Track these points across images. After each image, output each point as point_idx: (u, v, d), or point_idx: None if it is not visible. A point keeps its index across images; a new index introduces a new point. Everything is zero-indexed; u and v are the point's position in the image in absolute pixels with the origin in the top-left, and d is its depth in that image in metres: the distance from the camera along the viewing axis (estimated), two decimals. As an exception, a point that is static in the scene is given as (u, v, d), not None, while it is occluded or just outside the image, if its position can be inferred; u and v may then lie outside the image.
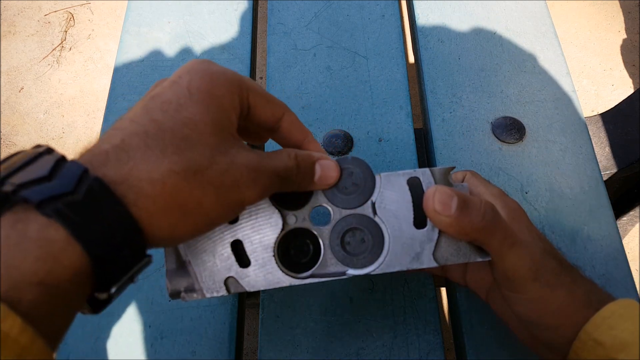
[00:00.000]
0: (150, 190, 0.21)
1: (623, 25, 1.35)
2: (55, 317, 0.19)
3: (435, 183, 0.30)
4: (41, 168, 0.20)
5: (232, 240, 0.29)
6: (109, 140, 0.22)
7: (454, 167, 0.31)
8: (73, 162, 0.21)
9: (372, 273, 0.29)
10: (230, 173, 0.24)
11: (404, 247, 0.29)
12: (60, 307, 0.19)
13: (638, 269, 1.00)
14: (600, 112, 0.63)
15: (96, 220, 0.20)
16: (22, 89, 1.32)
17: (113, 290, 0.21)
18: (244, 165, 0.24)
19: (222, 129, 0.24)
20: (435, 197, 0.28)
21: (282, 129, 0.29)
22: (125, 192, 0.21)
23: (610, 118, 0.62)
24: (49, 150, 0.22)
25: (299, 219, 0.29)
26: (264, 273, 0.29)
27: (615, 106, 0.63)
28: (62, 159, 0.21)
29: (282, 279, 0.29)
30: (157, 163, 0.22)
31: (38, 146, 0.22)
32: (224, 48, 0.53)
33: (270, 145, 0.46)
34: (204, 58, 0.26)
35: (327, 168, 0.29)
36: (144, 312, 0.39)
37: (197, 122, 0.23)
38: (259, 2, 0.60)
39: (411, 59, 0.78)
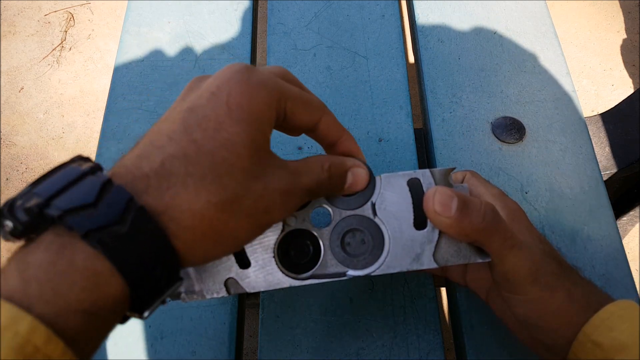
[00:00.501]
0: (190, 222, 0.22)
1: (623, 25, 1.35)
2: (93, 339, 0.20)
3: (436, 184, 0.30)
4: (87, 193, 0.20)
5: (232, 240, 0.29)
6: (149, 161, 0.22)
7: (454, 168, 0.31)
8: (119, 188, 0.21)
9: (372, 274, 0.29)
10: (263, 200, 0.24)
11: (404, 248, 0.29)
12: (99, 331, 0.20)
13: (638, 269, 1.00)
14: (600, 112, 0.63)
15: (140, 253, 0.20)
16: (22, 89, 1.32)
17: (146, 314, 0.22)
18: (276, 191, 0.24)
19: (258, 148, 0.24)
20: (436, 198, 0.28)
21: (319, 130, 0.29)
22: (167, 222, 0.21)
23: (610, 118, 0.62)
24: (93, 170, 0.22)
25: (299, 219, 0.29)
26: (264, 274, 0.29)
27: (615, 106, 0.63)
28: (108, 181, 0.21)
29: (282, 280, 0.29)
30: (196, 193, 0.22)
31: (80, 158, 0.22)
32: (224, 48, 0.53)
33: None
34: (242, 63, 0.25)
35: (358, 176, 0.29)
36: (144, 312, 0.39)
37: (236, 144, 0.23)
38: (259, 2, 0.60)
39: (411, 59, 0.78)
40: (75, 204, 0.20)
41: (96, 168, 0.22)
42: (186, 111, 0.23)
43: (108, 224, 0.20)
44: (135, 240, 0.20)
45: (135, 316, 0.22)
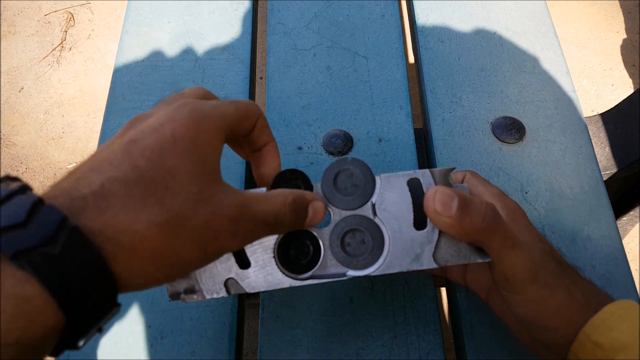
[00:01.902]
0: (128, 243, 0.20)
1: (623, 25, 1.34)
2: None
3: (435, 184, 0.30)
4: (16, 212, 0.19)
5: (232, 240, 0.29)
6: (87, 183, 0.21)
7: (454, 168, 0.31)
8: (51, 208, 0.19)
9: (372, 274, 0.29)
10: (210, 225, 0.23)
11: (404, 248, 0.29)
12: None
13: (638, 269, 1.00)
14: (600, 112, 0.63)
15: (74, 276, 0.19)
16: (22, 89, 1.32)
17: (81, 343, 0.20)
18: (225, 216, 0.23)
19: (205, 174, 0.23)
20: (436, 197, 0.28)
21: (255, 131, 0.29)
22: (104, 243, 0.20)
23: (610, 118, 0.62)
24: (23, 189, 0.20)
25: (299, 219, 0.29)
26: (264, 274, 0.29)
27: (615, 106, 0.63)
28: (39, 201, 0.19)
29: (282, 280, 0.29)
30: (136, 214, 0.21)
31: (8, 178, 0.21)
32: (224, 48, 0.53)
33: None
34: (181, 100, 0.25)
35: (318, 210, 0.28)
36: (144, 312, 0.39)
37: (180, 170, 0.22)
38: (259, 2, 0.60)
39: (411, 59, 0.78)
40: (2, 223, 0.18)
41: (26, 188, 0.20)
42: (128, 143, 0.23)
43: (38, 244, 0.18)
44: (69, 262, 0.19)
45: (69, 347, 0.20)
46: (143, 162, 0.22)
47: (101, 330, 0.21)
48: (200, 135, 0.24)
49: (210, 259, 0.25)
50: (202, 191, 0.23)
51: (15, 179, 0.21)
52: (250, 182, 0.46)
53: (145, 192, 0.21)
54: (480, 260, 0.30)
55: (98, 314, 0.20)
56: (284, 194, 0.27)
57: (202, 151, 0.24)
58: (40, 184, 1.20)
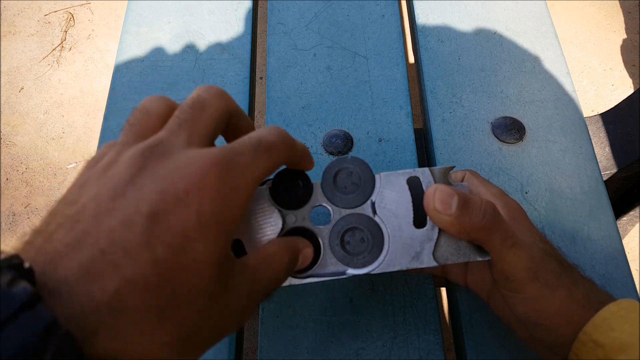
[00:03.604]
0: None
1: (623, 25, 1.35)
2: None
3: (435, 182, 0.30)
4: (25, 345, 0.15)
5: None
6: (100, 285, 0.17)
7: (453, 167, 0.31)
8: (67, 337, 0.16)
9: (372, 272, 0.29)
10: (219, 326, 0.21)
11: (403, 247, 0.29)
12: None
13: (638, 269, 1.00)
14: (600, 112, 0.63)
15: None
16: (22, 89, 1.32)
17: None
18: (236, 311, 0.22)
19: (223, 261, 0.21)
20: (436, 195, 0.28)
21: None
22: None
23: (610, 118, 0.62)
24: (32, 299, 0.15)
25: (298, 218, 0.29)
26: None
27: (615, 106, 0.63)
28: (53, 324, 0.15)
29: (282, 279, 0.29)
30: (152, 334, 0.18)
31: (9, 265, 0.16)
32: (224, 48, 0.53)
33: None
34: (212, 154, 0.21)
35: (306, 257, 0.28)
36: (143, 312, 0.39)
37: (202, 263, 0.19)
38: (259, 2, 0.60)
39: (411, 59, 0.78)
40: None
41: (34, 295, 0.15)
42: (148, 216, 0.18)
43: None
44: None
45: None
46: (163, 251, 0.18)
47: None
48: (230, 209, 0.20)
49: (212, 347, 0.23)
50: (217, 282, 0.20)
51: (18, 266, 0.16)
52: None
53: (162, 302, 0.18)
54: (480, 259, 0.30)
55: None
56: (281, 253, 0.25)
57: (228, 229, 0.20)
58: (40, 184, 1.20)
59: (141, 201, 0.19)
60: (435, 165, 0.45)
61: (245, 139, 0.23)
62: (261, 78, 1.18)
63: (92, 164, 0.22)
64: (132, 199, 0.19)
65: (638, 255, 1.00)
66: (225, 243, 0.21)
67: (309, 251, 0.28)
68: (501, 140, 0.46)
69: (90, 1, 1.46)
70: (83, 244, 0.18)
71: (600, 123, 0.62)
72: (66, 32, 1.41)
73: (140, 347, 0.18)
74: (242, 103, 0.49)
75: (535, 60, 0.51)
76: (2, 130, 1.26)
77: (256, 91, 0.55)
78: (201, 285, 0.19)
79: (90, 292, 0.17)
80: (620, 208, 0.70)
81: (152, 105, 0.24)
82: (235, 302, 0.21)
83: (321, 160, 0.45)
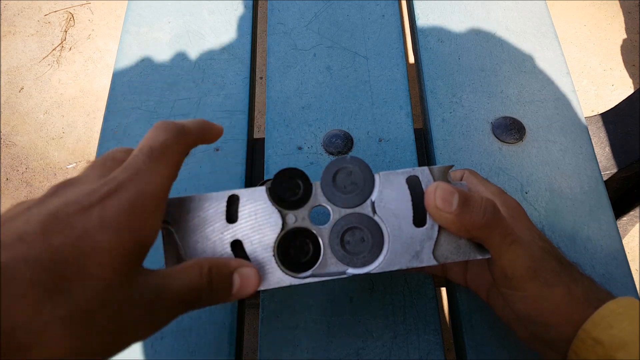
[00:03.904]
0: (24, 340, 0.18)
1: (623, 25, 1.35)
2: None
3: (434, 181, 0.30)
4: None
5: (231, 240, 0.29)
6: None
7: (452, 166, 0.31)
8: None
9: (372, 272, 0.29)
10: (122, 315, 0.21)
11: (403, 246, 0.29)
12: None
13: (638, 269, 1.00)
14: (600, 112, 0.63)
15: None
16: (22, 89, 1.32)
17: None
18: (141, 304, 0.22)
19: (128, 258, 0.22)
20: (437, 193, 0.28)
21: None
22: None
23: (610, 118, 0.62)
24: None
25: (298, 218, 0.29)
26: (264, 273, 0.29)
27: (615, 106, 0.63)
28: None
29: (283, 279, 0.29)
30: (39, 305, 0.19)
31: None
32: (224, 48, 0.53)
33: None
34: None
35: (246, 278, 0.26)
36: (143, 311, 0.39)
37: (102, 251, 0.21)
38: (259, 2, 0.60)
39: (411, 59, 0.78)
40: None
41: None
42: (47, 216, 0.20)
43: None
44: None
45: None
46: (60, 240, 0.20)
47: None
48: (135, 219, 0.22)
49: (123, 349, 0.22)
50: (118, 275, 0.21)
51: None
52: (251, 182, 0.47)
53: (53, 279, 0.19)
54: (479, 257, 0.30)
55: None
56: (199, 263, 0.25)
57: (131, 234, 0.22)
58: (40, 184, 1.20)
59: (43, 209, 0.21)
60: (435, 165, 0.45)
61: (137, 152, 0.25)
62: (261, 78, 1.18)
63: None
64: (36, 209, 0.21)
65: (638, 255, 1.00)
66: (130, 242, 0.22)
67: (248, 271, 0.27)
68: (501, 140, 0.46)
69: (90, 1, 1.46)
70: None
71: (600, 123, 0.62)
72: (66, 32, 1.41)
73: (26, 316, 0.18)
74: (242, 103, 0.49)
75: (535, 60, 0.51)
76: (2, 130, 1.26)
77: (256, 91, 0.55)
78: (97, 271, 0.20)
79: None
80: (620, 208, 0.70)
81: (116, 153, 0.26)
82: (138, 300, 0.22)
83: (321, 160, 0.45)
